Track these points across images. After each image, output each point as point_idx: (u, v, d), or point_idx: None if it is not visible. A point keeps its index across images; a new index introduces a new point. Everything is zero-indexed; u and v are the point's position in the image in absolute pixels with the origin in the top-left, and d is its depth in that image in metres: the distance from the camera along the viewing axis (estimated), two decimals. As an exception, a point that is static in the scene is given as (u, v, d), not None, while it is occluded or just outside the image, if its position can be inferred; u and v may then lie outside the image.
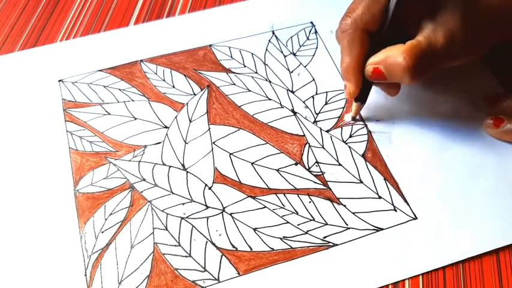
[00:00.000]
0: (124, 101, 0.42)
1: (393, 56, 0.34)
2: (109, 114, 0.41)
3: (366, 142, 0.39)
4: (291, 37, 0.45)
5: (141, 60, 0.44)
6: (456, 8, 0.33)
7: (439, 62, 0.35)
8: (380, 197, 0.36)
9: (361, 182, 0.37)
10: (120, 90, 0.43)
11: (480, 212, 0.35)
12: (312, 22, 0.46)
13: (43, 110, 0.42)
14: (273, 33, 0.46)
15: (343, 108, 0.41)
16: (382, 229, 0.35)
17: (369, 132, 0.39)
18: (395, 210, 0.35)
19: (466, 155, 0.38)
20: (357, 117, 0.40)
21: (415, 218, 0.35)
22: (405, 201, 0.36)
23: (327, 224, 0.35)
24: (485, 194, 0.36)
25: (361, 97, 0.38)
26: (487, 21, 0.34)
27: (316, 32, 0.46)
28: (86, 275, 0.33)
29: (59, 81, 0.43)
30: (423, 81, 0.41)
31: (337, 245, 0.34)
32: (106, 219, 0.36)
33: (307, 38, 0.45)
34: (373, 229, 0.35)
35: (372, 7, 0.35)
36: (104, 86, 0.43)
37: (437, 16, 0.34)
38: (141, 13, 0.49)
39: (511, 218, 0.35)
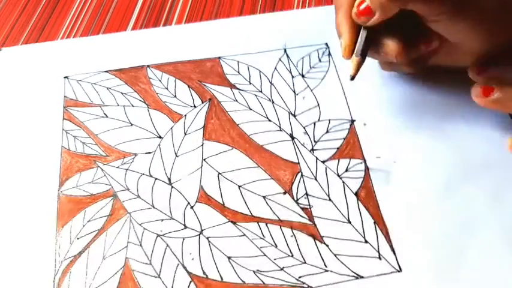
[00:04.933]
0: (124, 105, 0.41)
1: None
2: (107, 117, 0.41)
3: (362, 179, 0.37)
4: (303, 57, 0.44)
5: (148, 66, 0.44)
6: None
7: None
8: (366, 241, 0.34)
9: (349, 222, 0.35)
10: (122, 93, 0.42)
11: (471, 272, 0.32)
12: (326, 44, 0.44)
13: (44, 105, 0.42)
14: (285, 51, 0.44)
15: (344, 139, 0.39)
16: (362, 277, 0.33)
17: (367, 169, 0.37)
18: (380, 259, 0.33)
19: (466, 208, 0.35)
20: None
21: (399, 270, 0.33)
22: (392, 250, 0.33)
23: (305, 262, 0.33)
24: (480, 254, 0.33)
25: (361, 51, 0.35)
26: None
27: (329, 54, 0.44)
28: (54, 281, 0.33)
29: (65, 77, 0.43)
30: (417, 72, 0.38)
31: (311, 287, 0.32)
32: (84, 226, 0.35)
33: (319, 60, 0.43)
34: (353, 276, 0.33)
35: None
36: (107, 88, 0.42)
37: None
38: (148, 17, 0.48)
39: (508, 281, 0.32)
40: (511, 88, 0.34)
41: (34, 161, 0.38)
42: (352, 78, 0.36)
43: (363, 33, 0.35)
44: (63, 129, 0.40)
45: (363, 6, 0.33)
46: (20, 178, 0.38)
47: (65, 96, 0.42)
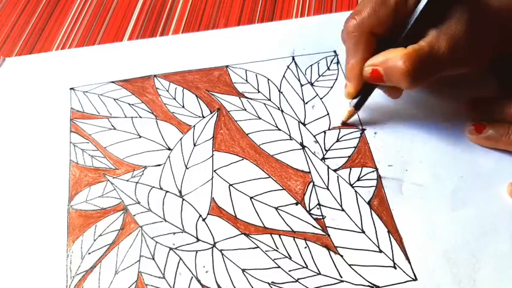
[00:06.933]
0: (131, 117, 0.41)
1: (393, 59, 0.33)
2: (115, 129, 0.40)
3: (374, 188, 0.36)
4: (311, 65, 0.43)
5: (155, 76, 0.43)
6: (461, 16, 0.33)
7: (439, 69, 0.34)
8: (381, 251, 0.34)
9: (363, 232, 0.34)
10: (129, 104, 0.42)
11: (487, 279, 0.32)
12: (335, 51, 0.44)
13: (50, 117, 0.41)
14: (293, 59, 0.44)
15: (355, 148, 0.38)
16: (378, 287, 0.32)
17: (379, 178, 0.37)
18: (395, 268, 0.33)
19: (479, 217, 0.35)
20: (348, 121, 0.40)
21: (415, 279, 0.32)
22: (407, 258, 0.33)
23: (320, 273, 0.33)
24: (494, 262, 0.33)
25: (357, 103, 0.38)
26: (492, 30, 0.34)
27: (338, 62, 0.43)
28: (66, 297, 0.33)
29: (71, 89, 0.43)
30: (422, 88, 0.40)
31: (327, 299, 0.32)
32: (95, 240, 0.35)
33: (328, 68, 0.43)
34: (369, 286, 0.32)
35: (379, 10, 0.34)
36: (114, 99, 0.42)
37: (441, 23, 0.33)
38: (145, 26, 0.48)
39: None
40: (502, 125, 0.36)
41: (42, 175, 0.38)
42: (343, 123, 0.39)
43: (367, 90, 0.37)
44: (70, 142, 0.40)
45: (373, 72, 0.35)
46: (28, 193, 0.37)
47: (71, 108, 0.42)
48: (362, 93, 0.37)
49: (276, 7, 0.49)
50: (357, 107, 0.38)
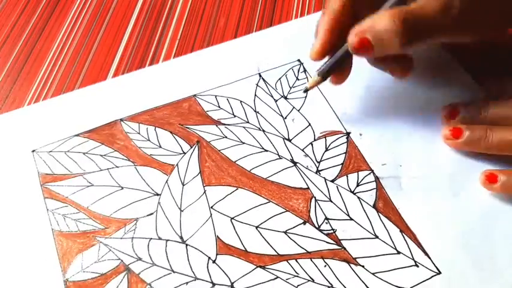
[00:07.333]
0: (107, 168, 0.38)
1: (382, 20, 0.31)
2: (92, 185, 0.37)
3: (375, 190, 0.36)
4: (279, 78, 0.43)
5: (121, 119, 0.41)
6: None
7: (431, 32, 0.32)
8: (399, 252, 0.33)
9: (377, 237, 0.34)
10: (101, 156, 0.39)
11: (505, 258, 0.33)
12: (299, 60, 0.44)
13: (17, 187, 0.37)
14: (260, 75, 0.43)
15: (346, 153, 0.38)
16: (406, 289, 0.32)
17: (377, 179, 0.37)
18: (417, 266, 0.33)
19: (481, 197, 0.35)
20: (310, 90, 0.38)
21: (439, 272, 0.32)
22: (426, 254, 0.33)
23: (346, 289, 0.32)
24: (508, 237, 0.34)
25: (325, 69, 0.35)
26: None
27: (305, 70, 0.43)
28: None
29: (32, 151, 0.39)
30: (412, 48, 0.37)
31: (361, 313, 0.31)
32: (103, 311, 0.32)
33: (297, 78, 0.43)
34: (397, 290, 0.32)
35: None
36: (83, 153, 0.39)
37: None
38: (120, 63, 0.45)
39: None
40: (480, 128, 0.35)
41: (25, 255, 0.34)
42: (306, 90, 0.37)
43: (338, 55, 0.35)
44: (47, 210, 0.36)
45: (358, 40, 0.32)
46: (17, 277, 0.33)
47: (39, 172, 0.38)
48: (333, 58, 0.35)
49: (276, 7, 0.48)
50: (325, 75, 0.36)
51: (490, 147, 0.35)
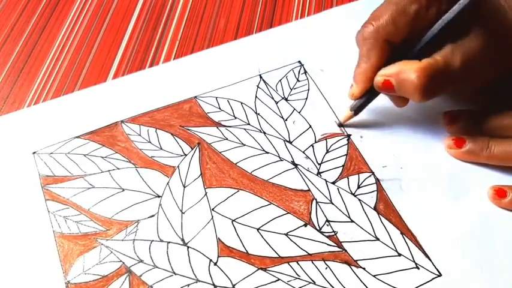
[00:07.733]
0: (108, 170, 0.38)
1: (407, 72, 0.33)
2: (93, 187, 0.37)
3: (376, 192, 0.36)
4: (280, 80, 0.43)
5: (122, 121, 0.41)
6: (479, 33, 0.33)
7: (452, 84, 0.34)
8: (400, 254, 0.34)
9: (377, 239, 0.34)
10: (102, 158, 0.39)
11: (505, 261, 0.33)
12: (299, 61, 0.44)
13: (18, 189, 0.37)
14: (261, 77, 0.43)
15: (347, 155, 0.38)
16: (407, 291, 0.32)
17: (378, 181, 0.37)
18: (418, 268, 0.33)
19: (482, 199, 0.35)
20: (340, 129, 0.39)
21: (440, 274, 0.33)
22: (426, 256, 0.33)
23: (347, 291, 0.32)
24: (508, 240, 0.34)
25: (359, 106, 0.38)
26: (508, 50, 0.34)
27: (305, 71, 0.43)
28: None
29: (33, 153, 0.39)
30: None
31: (362, 316, 0.31)
32: (104, 313, 0.32)
33: (297, 80, 0.43)
34: (398, 292, 0.32)
35: (398, 20, 0.34)
36: (84, 155, 0.39)
37: (458, 38, 0.33)
38: (121, 64, 0.45)
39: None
40: (482, 139, 0.36)
41: (27, 256, 0.34)
42: (340, 125, 0.39)
43: (370, 96, 0.37)
44: (48, 212, 0.36)
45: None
46: (19, 279, 0.33)
47: (39, 174, 0.38)
48: (365, 97, 0.37)
49: (276, 8, 0.48)
50: (357, 110, 0.38)
51: (491, 158, 0.36)
